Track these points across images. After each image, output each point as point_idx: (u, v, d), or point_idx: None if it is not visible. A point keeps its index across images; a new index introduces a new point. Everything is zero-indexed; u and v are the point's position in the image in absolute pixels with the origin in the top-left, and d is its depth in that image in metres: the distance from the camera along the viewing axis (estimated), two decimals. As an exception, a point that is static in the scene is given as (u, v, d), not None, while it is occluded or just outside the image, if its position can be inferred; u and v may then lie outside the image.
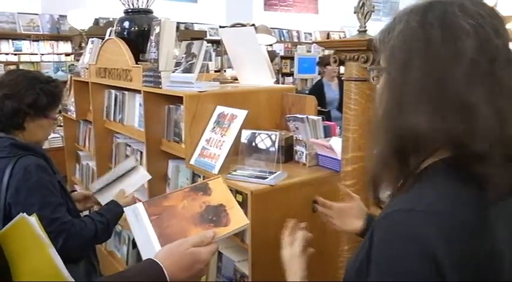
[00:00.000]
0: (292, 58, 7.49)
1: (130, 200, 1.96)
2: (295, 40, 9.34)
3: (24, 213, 0.98)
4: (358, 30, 1.48)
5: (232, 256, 1.90)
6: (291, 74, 7.66)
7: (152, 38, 2.17)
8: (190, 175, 2.19)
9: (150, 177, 2.11)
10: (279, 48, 8.23)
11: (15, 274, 0.95)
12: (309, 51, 7.55)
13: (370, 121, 1.46)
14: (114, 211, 1.85)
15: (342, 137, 1.51)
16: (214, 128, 1.98)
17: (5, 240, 0.98)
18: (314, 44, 8.08)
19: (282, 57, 8.16)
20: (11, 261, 0.97)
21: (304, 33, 9.67)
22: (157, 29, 2.13)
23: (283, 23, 9.71)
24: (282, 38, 9.11)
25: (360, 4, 1.47)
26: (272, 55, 4.71)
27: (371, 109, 1.45)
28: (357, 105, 1.44)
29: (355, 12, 1.49)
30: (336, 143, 1.75)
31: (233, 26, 2.59)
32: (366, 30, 1.46)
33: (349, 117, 1.47)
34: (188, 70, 2.01)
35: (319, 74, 5.28)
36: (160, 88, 2.12)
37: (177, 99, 2.10)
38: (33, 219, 0.98)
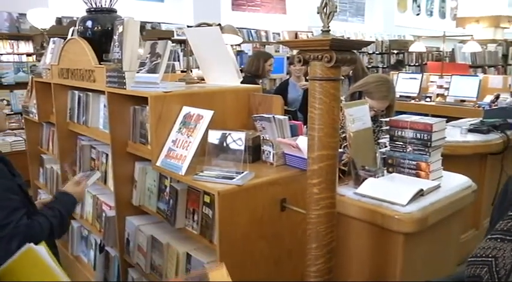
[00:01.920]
0: (260, 58, 7.50)
1: (81, 189, 1.93)
2: (264, 40, 9.37)
3: (32, 244, 0.88)
4: (321, 30, 1.50)
5: (201, 257, 1.89)
6: (259, 74, 7.68)
7: (115, 37, 2.14)
8: (157, 177, 2.17)
9: (100, 174, 2.20)
10: (248, 48, 8.23)
11: None
12: (277, 51, 7.60)
13: (335, 120, 1.49)
14: (65, 201, 1.81)
15: (308, 135, 1.52)
16: (180, 128, 1.97)
17: (10, 275, 0.88)
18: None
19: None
20: None
21: (273, 33, 9.69)
22: (120, 29, 2.10)
23: (251, 23, 9.71)
24: (251, 38, 9.11)
25: (323, 5, 1.49)
26: (266, 55, 4.67)
27: (335, 108, 1.47)
28: (322, 105, 1.46)
29: (318, 13, 1.50)
30: (302, 142, 1.77)
31: (199, 25, 2.58)
32: (329, 30, 1.48)
33: (314, 116, 1.48)
34: (153, 70, 2.00)
35: (287, 73, 5.32)
36: (125, 89, 2.09)
37: (142, 100, 2.08)
38: (43, 250, 0.89)
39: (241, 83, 2.36)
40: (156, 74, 1.98)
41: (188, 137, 1.91)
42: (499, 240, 0.96)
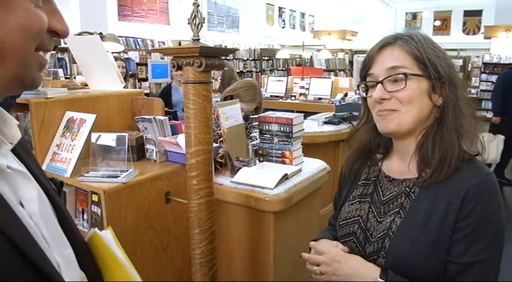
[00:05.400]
0: (147, 64, 7.23)
1: None
2: (150, 48, 9.06)
3: (96, 229, 0.73)
4: (192, 39, 1.47)
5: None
6: (146, 79, 7.41)
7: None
8: (44, 181, 1.97)
9: None
10: (134, 56, 7.89)
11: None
12: (162, 58, 7.37)
13: (208, 118, 1.47)
14: None
15: (185, 133, 1.49)
16: (64, 133, 1.80)
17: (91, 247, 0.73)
18: (167, 52, 7.84)
19: (138, 64, 7.85)
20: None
21: (158, 42, 9.40)
22: None
23: (138, 32, 9.33)
24: (137, 46, 8.75)
25: (192, 16, 1.46)
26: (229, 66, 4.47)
27: (208, 108, 1.46)
28: (196, 105, 1.44)
29: (188, 23, 1.47)
30: (181, 139, 1.73)
31: (80, 34, 2.38)
32: (199, 39, 1.46)
33: (190, 116, 1.45)
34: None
35: (171, 78, 5.20)
36: (4, 96, 1.85)
37: (25, 107, 1.86)
38: (108, 234, 0.73)
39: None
40: (35, 81, 1.78)
41: (72, 140, 1.76)
42: (357, 203, 1.05)
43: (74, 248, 0.64)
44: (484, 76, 10.41)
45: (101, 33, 2.44)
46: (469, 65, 10.84)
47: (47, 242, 0.56)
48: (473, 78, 10.49)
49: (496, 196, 0.88)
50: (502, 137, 4.39)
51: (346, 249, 0.99)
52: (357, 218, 1.03)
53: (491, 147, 4.18)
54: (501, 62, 10.10)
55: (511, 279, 3.02)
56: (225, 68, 5.06)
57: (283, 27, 15.99)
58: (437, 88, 0.93)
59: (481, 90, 10.38)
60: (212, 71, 1.50)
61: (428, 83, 0.92)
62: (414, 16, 18.55)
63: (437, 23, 17.36)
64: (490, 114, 5.50)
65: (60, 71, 2.96)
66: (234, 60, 10.84)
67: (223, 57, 1.56)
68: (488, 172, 0.91)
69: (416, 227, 0.90)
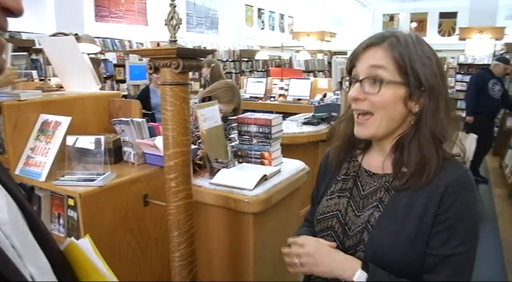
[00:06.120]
0: (125, 66, 7.15)
1: None
2: (128, 49, 8.95)
3: (72, 238, 0.70)
4: (169, 40, 1.46)
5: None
6: (124, 81, 7.31)
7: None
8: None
9: None
10: (112, 57, 7.78)
11: None
12: (140, 60, 7.29)
13: (186, 120, 1.47)
14: None
15: (162, 135, 1.48)
16: (38, 136, 1.77)
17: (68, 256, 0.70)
18: (146, 53, 7.75)
19: (115, 65, 7.74)
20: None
21: (136, 43, 9.29)
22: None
23: (115, 33, 9.20)
24: (115, 47, 8.63)
25: (169, 17, 1.46)
26: (96, 61, 4.45)
27: (186, 109, 1.46)
28: (173, 107, 1.43)
29: (165, 25, 1.47)
30: (159, 141, 1.72)
31: (54, 35, 2.34)
32: (176, 40, 1.46)
33: (167, 118, 1.45)
34: (4, 79, 1.76)
35: (150, 80, 5.14)
36: (-26, 99, 1.80)
37: (-3, 109, 1.82)
38: (87, 242, 0.71)
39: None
40: (7, 83, 1.74)
41: (47, 143, 1.72)
42: (336, 197, 1.06)
43: (48, 256, 0.62)
44: (459, 76, 10.66)
45: (76, 34, 2.40)
46: (445, 65, 11.10)
47: (19, 253, 0.54)
48: (449, 79, 10.74)
49: (473, 192, 0.92)
50: (475, 136, 4.50)
51: (330, 244, 1.00)
52: (335, 212, 1.04)
53: (465, 146, 4.29)
54: (475, 62, 10.37)
55: (483, 271, 3.11)
56: (212, 65, 5.06)
57: (262, 29, 16.04)
58: (414, 96, 0.92)
59: (457, 90, 10.63)
60: (202, 69, 1.50)
61: (406, 90, 0.92)
62: (391, 18, 18.89)
63: (414, 24, 17.72)
64: (464, 114, 5.63)
65: (35, 73, 2.90)
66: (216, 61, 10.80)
67: (202, 58, 1.57)
68: (466, 169, 0.94)
69: (395, 220, 0.92)
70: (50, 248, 0.63)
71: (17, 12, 0.54)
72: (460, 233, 0.88)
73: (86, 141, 1.67)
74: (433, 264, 0.89)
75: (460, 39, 11.77)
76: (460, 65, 10.69)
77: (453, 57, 11.16)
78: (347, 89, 1.02)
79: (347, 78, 1.02)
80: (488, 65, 5.83)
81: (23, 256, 0.54)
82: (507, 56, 7.05)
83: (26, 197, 0.67)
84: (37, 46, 6.79)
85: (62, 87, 2.27)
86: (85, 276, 0.70)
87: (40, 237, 0.62)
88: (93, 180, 1.59)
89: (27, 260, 0.55)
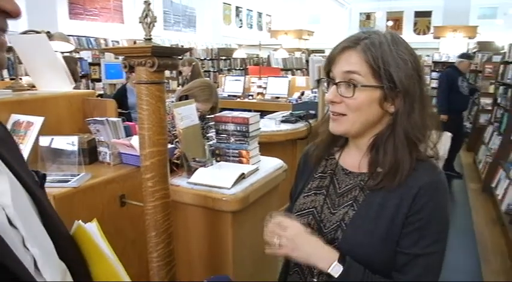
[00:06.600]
0: (100, 64, 7.02)
1: None
2: (103, 47, 8.79)
3: (80, 221, 0.73)
4: (144, 38, 1.45)
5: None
6: (100, 80, 7.18)
7: None
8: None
9: None
10: (87, 56, 7.62)
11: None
12: (116, 58, 7.18)
13: (162, 119, 1.46)
14: None
15: (138, 135, 1.47)
16: (9, 136, 1.72)
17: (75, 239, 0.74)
18: (122, 51, 7.62)
19: (91, 64, 7.58)
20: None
21: (112, 41, 9.13)
22: None
23: (90, 31, 9.02)
24: (90, 46, 8.46)
25: (144, 15, 1.44)
26: (73, 60, 4.36)
27: (162, 108, 1.45)
28: (149, 106, 1.42)
29: (140, 22, 1.45)
30: (135, 141, 1.70)
31: (25, 33, 2.28)
32: (151, 38, 1.44)
33: (143, 117, 1.44)
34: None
35: (126, 79, 5.07)
36: None
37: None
38: (93, 227, 0.74)
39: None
40: (-24, 82, 1.69)
41: (19, 144, 1.68)
42: (313, 195, 1.08)
43: (55, 240, 0.64)
44: (434, 74, 10.90)
45: (48, 32, 2.34)
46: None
47: (22, 234, 0.56)
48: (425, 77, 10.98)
49: (445, 194, 0.94)
50: (449, 134, 4.61)
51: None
52: (311, 210, 1.05)
53: (439, 144, 4.38)
54: (449, 60, 10.59)
55: (458, 264, 3.20)
56: (193, 63, 5.02)
57: (240, 27, 16.02)
58: (390, 97, 0.94)
59: (432, 87, 10.87)
60: (182, 67, 1.49)
61: (381, 92, 0.93)
62: (368, 16, 19.17)
63: (390, 23, 18.03)
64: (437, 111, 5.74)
65: (5, 72, 2.82)
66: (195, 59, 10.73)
67: (179, 57, 1.56)
68: (440, 171, 0.96)
69: (369, 220, 0.94)
70: (57, 231, 0.67)
71: (15, 15, 0.58)
72: (432, 234, 0.91)
73: (62, 142, 1.64)
74: (404, 263, 0.91)
75: (435, 37, 12.06)
76: (435, 62, 10.94)
77: (428, 55, 11.40)
78: (325, 90, 1.04)
79: (325, 79, 1.04)
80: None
81: (25, 237, 0.57)
82: (470, 53, 7.19)
83: (37, 183, 0.71)
84: (8, 44, 6.59)
85: (34, 87, 2.22)
86: (91, 259, 0.74)
87: (48, 221, 0.65)
88: (67, 181, 1.56)
89: (30, 240, 0.57)
